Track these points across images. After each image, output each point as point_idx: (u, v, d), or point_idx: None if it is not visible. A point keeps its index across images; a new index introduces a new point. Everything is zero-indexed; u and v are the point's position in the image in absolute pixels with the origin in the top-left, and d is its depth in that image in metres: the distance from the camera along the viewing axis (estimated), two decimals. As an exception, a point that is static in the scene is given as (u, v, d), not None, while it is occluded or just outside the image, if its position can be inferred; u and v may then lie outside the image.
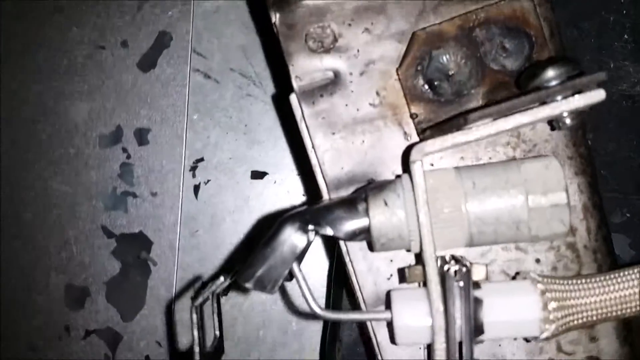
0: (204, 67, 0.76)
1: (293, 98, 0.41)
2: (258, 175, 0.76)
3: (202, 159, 0.77)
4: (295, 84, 0.41)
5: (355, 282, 0.42)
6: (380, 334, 0.42)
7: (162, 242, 0.77)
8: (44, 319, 0.79)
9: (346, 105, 0.41)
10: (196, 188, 0.77)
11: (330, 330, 0.61)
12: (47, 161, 0.79)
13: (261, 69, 0.76)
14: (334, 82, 0.41)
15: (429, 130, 0.38)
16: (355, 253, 0.41)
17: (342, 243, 0.42)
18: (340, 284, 0.59)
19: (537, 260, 0.40)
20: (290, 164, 0.76)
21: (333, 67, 0.41)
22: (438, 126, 0.38)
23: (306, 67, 0.41)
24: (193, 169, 0.77)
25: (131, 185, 0.77)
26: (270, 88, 0.76)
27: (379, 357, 0.42)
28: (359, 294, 0.42)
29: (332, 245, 0.67)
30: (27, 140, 0.79)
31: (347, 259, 0.42)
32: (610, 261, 0.41)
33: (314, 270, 0.73)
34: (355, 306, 0.43)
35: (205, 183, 0.76)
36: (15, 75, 0.80)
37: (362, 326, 0.54)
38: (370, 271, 0.41)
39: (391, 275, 0.41)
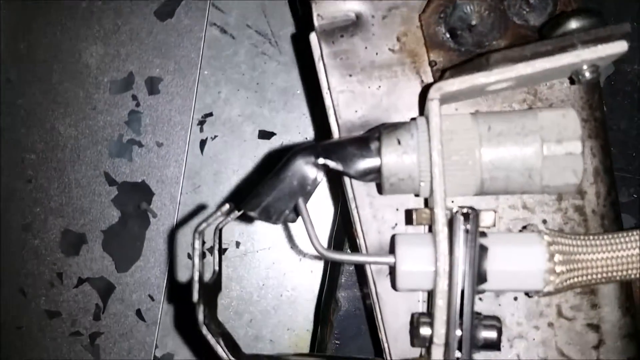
0: (221, 21, 0.76)
1: (313, 37, 0.41)
2: (266, 135, 0.76)
3: (210, 114, 0.76)
4: (316, 22, 0.41)
5: (359, 229, 0.41)
6: (380, 285, 0.41)
7: (163, 194, 0.76)
8: (38, 263, 0.78)
9: (366, 48, 0.41)
10: (202, 143, 0.76)
11: (327, 289, 0.60)
12: (55, 102, 0.78)
13: (278, 29, 0.75)
14: (355, 24, 0.41)
15: (448, 72, 0.38)
16: (361, 199, 0.41)
17: (349, 189, 0.41)
18: (340, 239, 0.59)
19: (544, 221, 0.40)
20: (299, 126, 0.75)
21: (356, 9, 0.41)
22: (458, 67, 0.38)
23: (329, 6, 0.41)
24: (201, 123, 0.76)
25: (138, 133, 0.77)
26: (285, 48, 0.75)
27: (377, 309, 0.42)
28: (362, 241, 0.41)
29: (337, 195, 0.66)
30: (37, 79, 0.79)
31: (352, 205, 0.42)
32: (617, 228, 0.41)
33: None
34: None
35: (212, 138, 0.76)
36: (33, 12, 0.79)
37: (361, 278, 0.53)
38: (375, 219, 0.41)
39: (396, 224, 0.41)
